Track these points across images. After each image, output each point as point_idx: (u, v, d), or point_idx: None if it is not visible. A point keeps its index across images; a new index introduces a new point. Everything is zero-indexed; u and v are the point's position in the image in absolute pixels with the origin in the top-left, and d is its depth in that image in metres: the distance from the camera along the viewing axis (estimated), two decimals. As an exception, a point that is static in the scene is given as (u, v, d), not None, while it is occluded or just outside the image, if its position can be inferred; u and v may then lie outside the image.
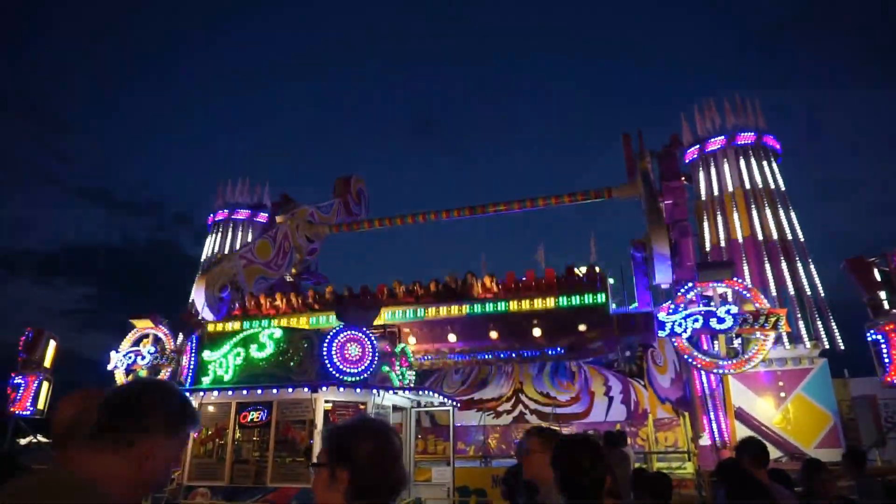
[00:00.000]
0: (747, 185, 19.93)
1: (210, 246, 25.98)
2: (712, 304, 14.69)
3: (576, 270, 16.11)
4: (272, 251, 18.07)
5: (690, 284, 14.95)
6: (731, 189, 20.08)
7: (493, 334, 15.52)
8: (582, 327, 15.19)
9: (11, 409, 18.93)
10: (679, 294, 15.00)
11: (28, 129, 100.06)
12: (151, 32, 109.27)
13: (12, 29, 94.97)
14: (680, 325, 14.77)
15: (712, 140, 20.79)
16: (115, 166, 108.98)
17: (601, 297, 15.22)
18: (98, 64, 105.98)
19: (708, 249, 19.94)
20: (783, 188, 20.30)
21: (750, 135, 20.51)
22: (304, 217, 20.07)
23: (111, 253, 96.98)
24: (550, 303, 15.39)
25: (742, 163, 20.32)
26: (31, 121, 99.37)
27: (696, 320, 14.54)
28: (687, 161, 21.37)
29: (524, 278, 16.04)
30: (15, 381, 19.12)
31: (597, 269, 15.97)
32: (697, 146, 21.13)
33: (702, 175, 20.92)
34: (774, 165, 20.72)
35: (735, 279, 15.15)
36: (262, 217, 25.23)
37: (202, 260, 25.95)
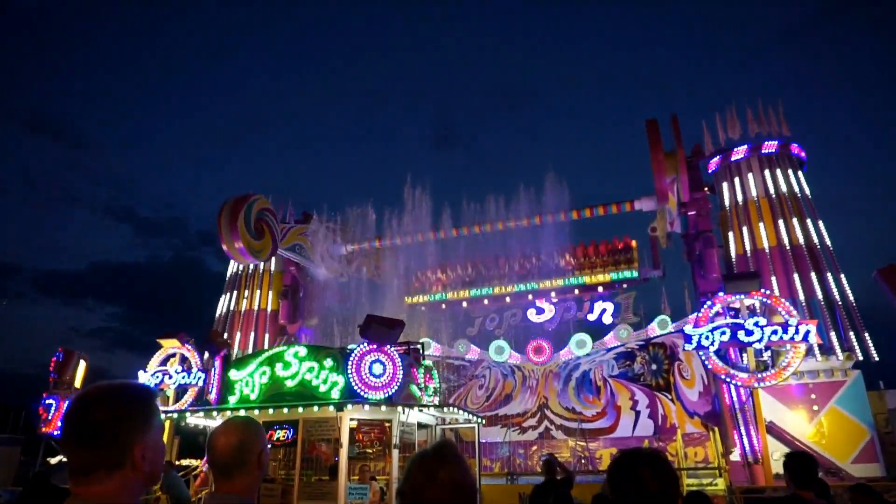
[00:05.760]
0: (773, 194, 19.56)
1: (233, 264, 26.24)
2: (740, 316, 14.45)
3: None
4: None
5: (717, 296, 14.74)
6: (756, 198, 19.73)
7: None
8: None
9: (42, 429, 19.25)
10: (705, 306, 14.79)
11: (59, 151, 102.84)
12: (176, 55, 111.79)
13: (40, 52, 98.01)
14: (707, 337, 14.55)
15: (736, 149, 20.48)
16: (141, 186, 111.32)
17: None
18: (123, 85, 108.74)
19: (734, 260, 19.60)
20: (809, 196, 19.93)
21: (774, 143, 20.15)
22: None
23: (137, 271, 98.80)
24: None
25: (767, 171, 19.96)
26: (62, 144, 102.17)
27: (724, 333, 14.31)
28: (710, 171, 21.10)
29: None
30: (46, 402, 19.46)
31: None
32: (720, 156, 20.83)
33: (725, 185, 20.59)
34: (800, 173, 20.36)
35: (762, 290, 14.90)
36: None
37: (227, 277, 26.27)
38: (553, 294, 21.62)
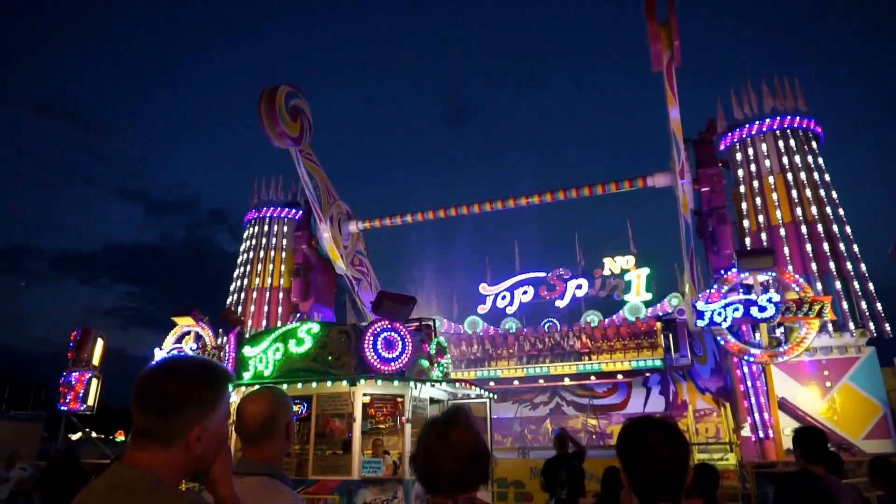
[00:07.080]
0: (787, 170, 19.30)
1: (246, 243, 26.48)
2: (753, 292, 14.36)
3: None
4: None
5: (729, 273, 14.65)
6: (770, 174, 19.49)
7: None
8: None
9: (63, 406, 19.67)
10: (716, 284, 14.71)
11: (69, 134, 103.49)
12: (187, 35, 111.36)
13: (51, 36, 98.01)
14: (719, 314, 14.48)
15: (750, 125, 20.18)
16: (151, 166, 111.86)
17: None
18: (134, 67, 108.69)
19: (747, 236, 19.43)
20: (825, 172, 19.63)
21: (789, 118, 19.84)
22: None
23: (151, 251, 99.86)
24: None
25: (782, 147, 19.67)
26: (73, 126, 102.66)
27: (737, 309, 14.23)
28: (723, 147, 20.81)
29: None
30: (66, 379, 19.85)
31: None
32: (734, 131, 20.53)
33: (740, 160, 20.31)
34: (816, 149, 20.04)
35: (776, 266, 14.78)
36: (296, 214, 25.51)
37: (240, 256, 26.54)
38: (566, 379, 20.50)
